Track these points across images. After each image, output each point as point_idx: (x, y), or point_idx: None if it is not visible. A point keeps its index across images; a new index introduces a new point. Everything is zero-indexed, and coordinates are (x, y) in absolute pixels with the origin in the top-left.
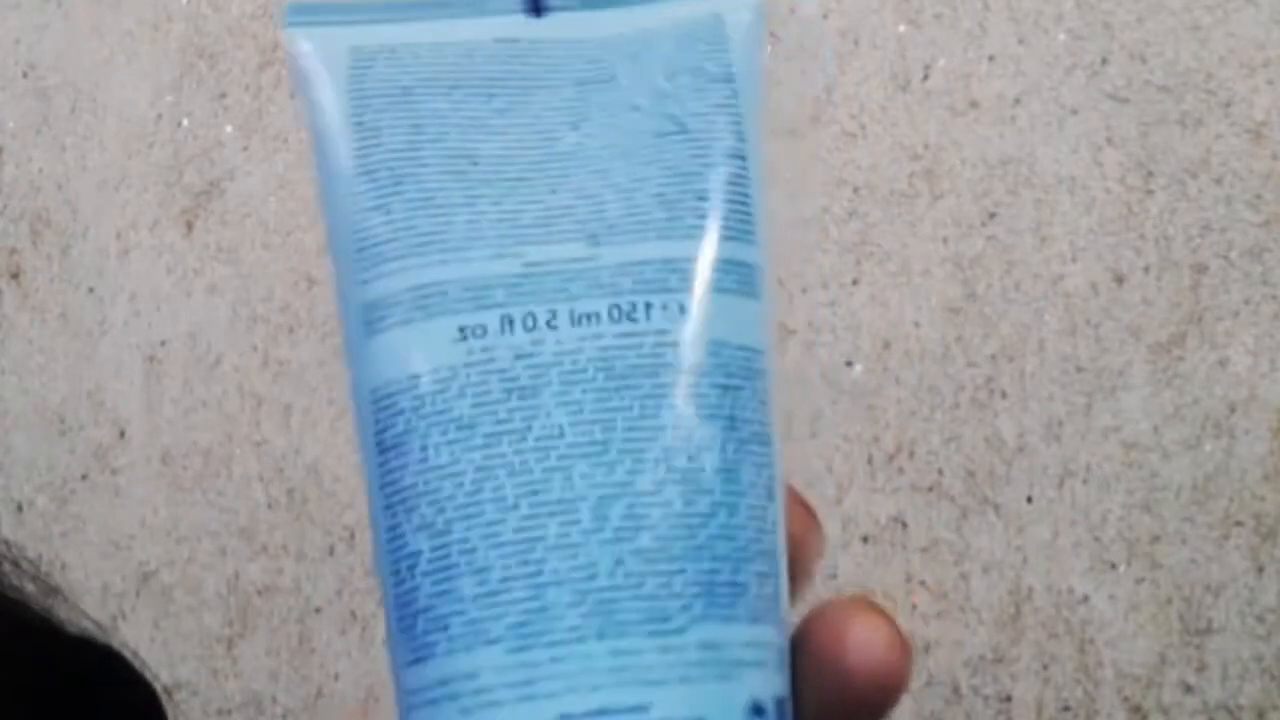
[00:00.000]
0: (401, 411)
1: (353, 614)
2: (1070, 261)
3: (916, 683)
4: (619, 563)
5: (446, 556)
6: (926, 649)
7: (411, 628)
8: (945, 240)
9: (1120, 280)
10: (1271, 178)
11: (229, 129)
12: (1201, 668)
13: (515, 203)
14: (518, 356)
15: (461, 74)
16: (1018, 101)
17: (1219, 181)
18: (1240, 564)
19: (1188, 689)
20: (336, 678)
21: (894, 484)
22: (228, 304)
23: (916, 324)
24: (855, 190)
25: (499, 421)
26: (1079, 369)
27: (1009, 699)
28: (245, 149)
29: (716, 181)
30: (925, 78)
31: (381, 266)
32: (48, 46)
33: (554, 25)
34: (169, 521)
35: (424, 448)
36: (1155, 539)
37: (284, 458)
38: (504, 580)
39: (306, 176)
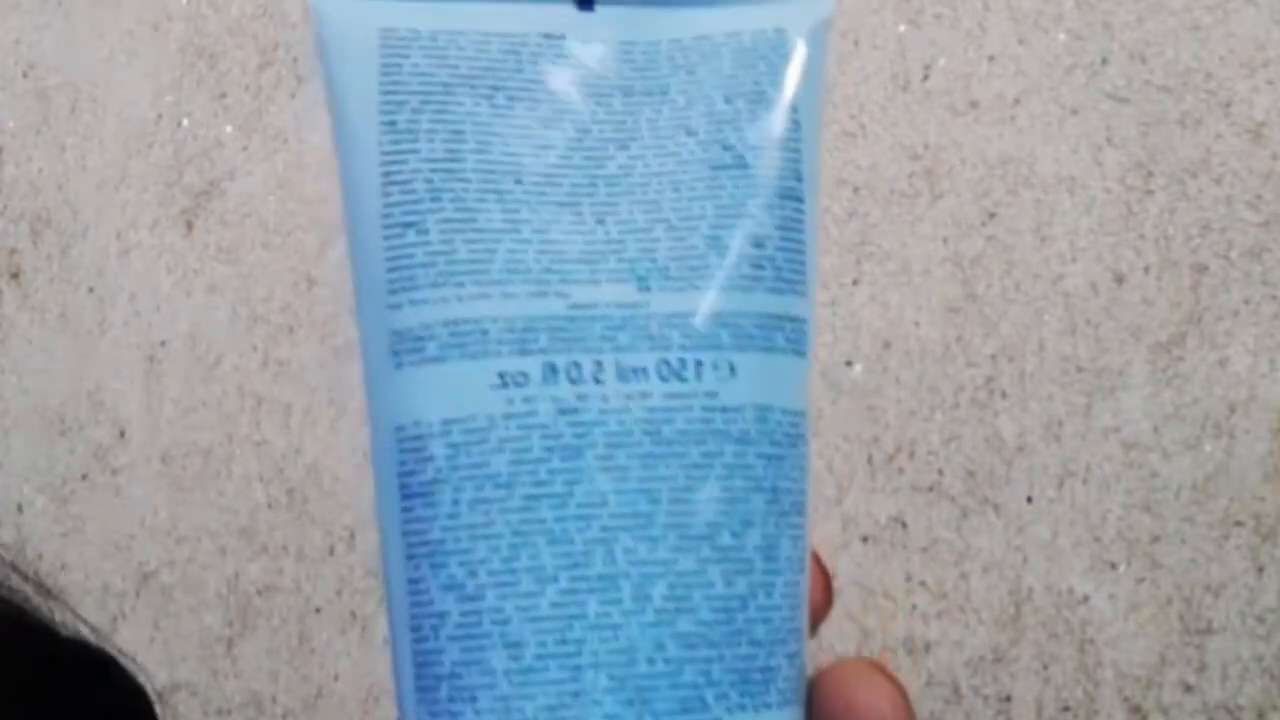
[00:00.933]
0: (431, 458)
1: (353, 614)
2: (1070, 261)
3: (916, 683)
4: (659, 647)
5: (478, 624)
6: (926, 649)
7: (433, 690)
8: (945, 240)
9: (1120, 280)
10: (1271, 178)
11: (229, 129)
12: (1201, 668)
13: (561, 231)
14: (561, 411)
15: (506, 74)
16: (1018, 101)
17: (1219, 181)
18: (1240, 564)
19: (1188, 689)
20: (336, 678)
21: (894, 484)
22: (228, 304)
23: (916, 324)
24: (855, 190)
25: (539, 483)
26: (1079, 369)
27: (1009, 699)
28: (245, 149)
29: (772, 226)
30: (925, 78)
31: (415, 293)
32: (48, 46)
33: (603, 22)
34: (169, 521)
35: (455, 502)
36: (1155, 539)
37: (284, 458)
38: (539, 658)
39: (307, 176)
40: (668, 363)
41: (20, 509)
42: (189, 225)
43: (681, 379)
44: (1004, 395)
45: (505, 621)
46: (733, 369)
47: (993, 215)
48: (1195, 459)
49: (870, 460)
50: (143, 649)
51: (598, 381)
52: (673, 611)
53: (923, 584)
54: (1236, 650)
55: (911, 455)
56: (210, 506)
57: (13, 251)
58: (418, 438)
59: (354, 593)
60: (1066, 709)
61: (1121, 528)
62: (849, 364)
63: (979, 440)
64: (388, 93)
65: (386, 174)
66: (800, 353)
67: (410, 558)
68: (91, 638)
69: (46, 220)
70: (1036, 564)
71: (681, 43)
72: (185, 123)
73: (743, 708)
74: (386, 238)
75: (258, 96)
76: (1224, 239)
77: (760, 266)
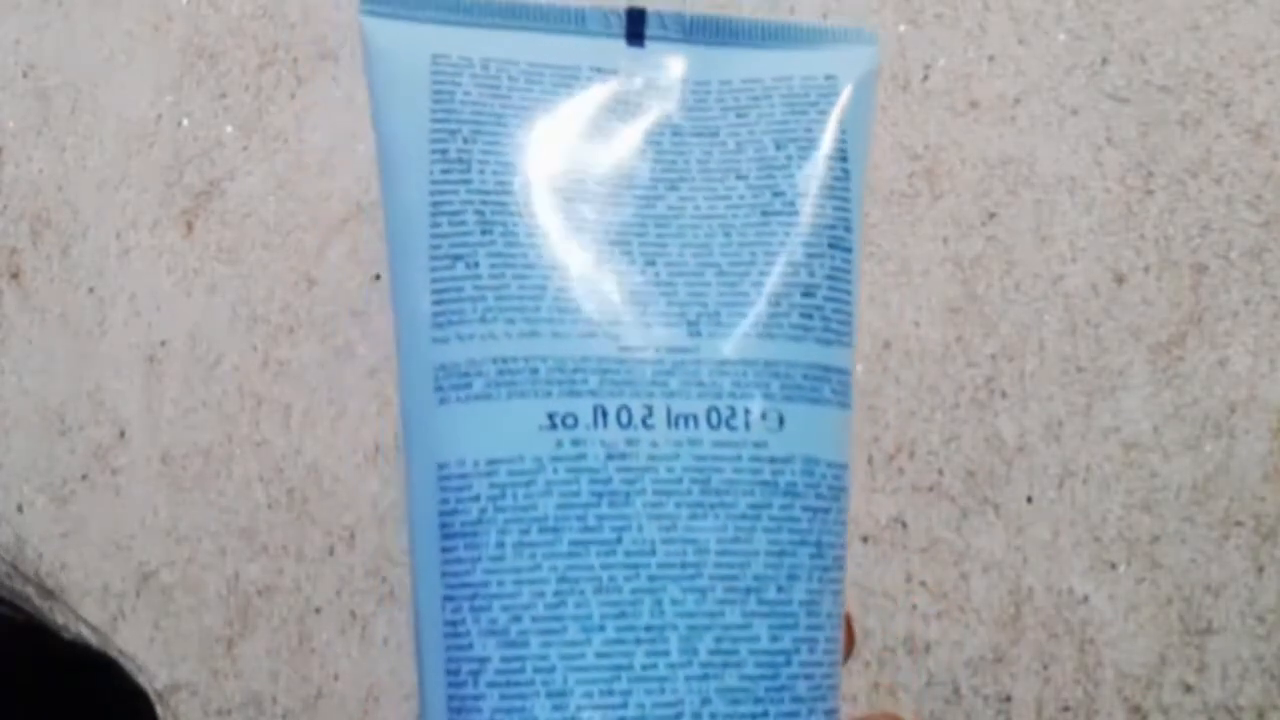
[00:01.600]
0: (475, 498)
1: (353, 614)
2: (1070, 261)
3: (916, 683)
4: (705, 702)
5: (520, 671)
6: (926, 649)
7: None
8: (945, 240)
9: (1120, 280)
10: (1271, 178)
11: (229, 129)
12: (1201, 668)
13: (611, 271)
14: (610, 456)
15: (557, 106)
16: (1018, 101)
17: (1219, 181)
18: (1240, 564)
19: (1188, 689)
20: (336, 678)
21: (894, 484)
22: (228, 304)
23: (916, 324)
24: None
25: (587, 529)
26: (1079, 369)
27: (1009, 699)
28: (245, 149)
29: (821, 276)
30: (925, 78)
31: (463, 327)
32: (48, 46)
33: (653, 58)
34: (169, 521)
35: (500, 544)
36: (1155, 539)
37: (284, 458)
38: (583, 709)
39: (307, 176)
40: (717, 410)
41: (20, 509)
42: (189, 225)
43: (731, 427)
44: (1004, 395)
45: (549, 670)
46: (781, 420)
47: (993, 215)
48: (1195, 459)
49: (870, 460)
50: (143, 649)
51: (647, 427)
52: (719, 665)
53: (923, 584)
54: (1236, 650)
55: (911, 455)
56: (210, 506)
57: (13, 251)
58: (462, 476)
59: (354, 593)
60: (1066, 709)
61: (1121, 528)
62: None
63: (979, 440)
64: (439, 121)
65: (436, 204)
66: (845, 405)
67: (449, 599)
68: (93, 639)
69: (46, 220)
70: (1036, 564)
71: (731, 84)
72: (185, 123)
73: None
74: (434, 269)
75: (258, 96)
76: (1224, 239)
77: (809, 316)
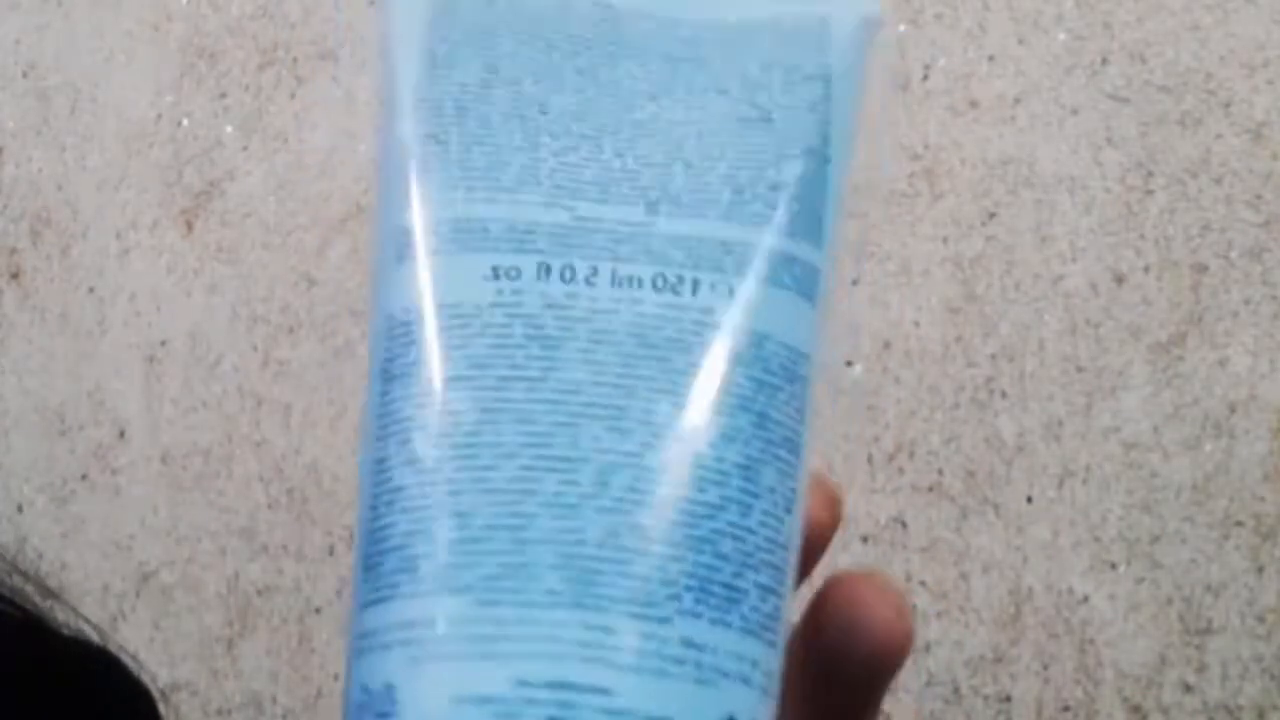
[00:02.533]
0: (414, 341)
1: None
2: (1070, 261)
3: (916, 683)
4: (612, 534)
5: (429, 496)
6: (926, 649)
7: (378, 565)
8: (945, 240)
9: (1120, 280)
10: (1271, 178)
11: (229, 129)
12: (1201, 668)
13: (578, 158)
14: (548, 305)
15: (550, 27)
16: (1018, 101)
17: (1219, 181)
18: (1240, 564)
19: (1188, 689)
20: (336, 678)
21: (894, 484)
22: (228, 304)
23: (916, 324)
24: (855, 190)
25: (514, 365)
26: (1079, 369)
27: (1009, 699)
28: (245, 149)
29: (792, 176)
30: (925, 78)
31: (425, 195)
32: (48, 46)
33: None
34: (169, 521)
35: (430, 379)
36: (1155, 539)
37: (284, 458)
38: (487, 528)
39: (307, 176)
40: (665, 277)
41: (20, 509)
42: (189, 225)
43: (677, 293)
44: (1004, 395)
45: (458, 493)
46: (732, 292)
47: (993, 215)
48: (1195, 459)
49: (870, 460)
50: (143, 649)
51: (590, 284)
52: (633, 503)
53: (923, 584)
54: (1236, 650)
55: (911, 455)
56: (210, 506)
57: (13, 251)
58: (404, 323)
59: None
60: (1066, 709)
61: (1121, 528)
62: (849, 364)
63: (979, 440)
64: (435, 29)
65: (419, 94)
66: (807, 297)
67: (380, 439)
68: (95, 637)
69: (46, 220)
70: (1036, 564)
71: (726, 23)
72: (185, 123)
73: (697, 615)
74: (410, 149)
75: (258, 96)
76: (1224, 239)
77: (774, 207)
